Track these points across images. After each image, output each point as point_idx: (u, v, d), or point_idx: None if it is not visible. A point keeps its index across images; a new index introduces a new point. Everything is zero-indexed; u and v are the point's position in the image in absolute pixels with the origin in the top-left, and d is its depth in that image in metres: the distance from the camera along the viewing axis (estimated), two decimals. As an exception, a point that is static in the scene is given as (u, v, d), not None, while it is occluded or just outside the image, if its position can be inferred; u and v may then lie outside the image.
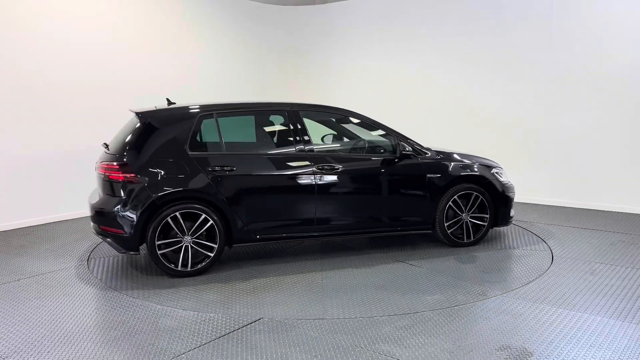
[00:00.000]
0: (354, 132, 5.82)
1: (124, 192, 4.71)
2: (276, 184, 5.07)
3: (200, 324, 3.81)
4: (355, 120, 5.64)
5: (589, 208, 7.40)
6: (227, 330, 3.69)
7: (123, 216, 4.68)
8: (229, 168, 4.89)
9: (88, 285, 4.66)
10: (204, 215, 4.78)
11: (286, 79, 10.30)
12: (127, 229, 4.68)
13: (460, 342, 3.46)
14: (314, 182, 5.11)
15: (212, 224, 4.81)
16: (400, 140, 5.46)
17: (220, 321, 3.86)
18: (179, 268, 4.79)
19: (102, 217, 4.83)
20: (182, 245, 4.77)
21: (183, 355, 3.34)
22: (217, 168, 4.86)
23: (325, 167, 5.15)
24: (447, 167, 5.52)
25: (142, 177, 4.70)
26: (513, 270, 4.89)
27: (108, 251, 5.69)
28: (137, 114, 5.03)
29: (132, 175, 4.69)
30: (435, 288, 4.47)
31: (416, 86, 8.95)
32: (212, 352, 3.38)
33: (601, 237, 5.93)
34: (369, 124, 5.55)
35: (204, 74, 8.98)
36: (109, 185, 4.80)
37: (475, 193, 5.54)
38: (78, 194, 7.31)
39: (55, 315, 4.00)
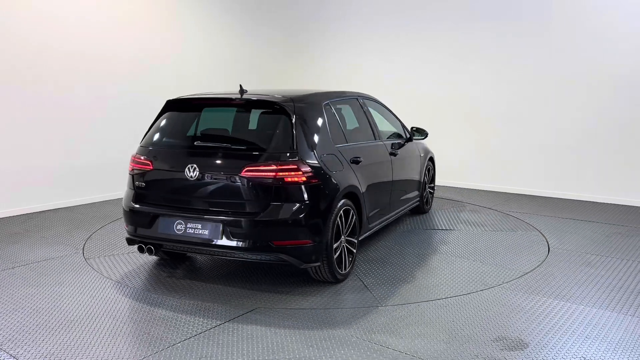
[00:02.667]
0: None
1: (306, 196, 3.98)
2: (380, 171, 5.18)
3: (195, 313, 3.79)
4: (381, 109, 5.99)
5: (585, 200, 7.41)
6: (223, 320, 3.68)
7: (309, 224, 3.97)
8: (360, 159, 4.71)
9: (83, 274, 4.63)
10: (351, 211, 4.43)
11: (283, 67, 10.26)
12: (314, 238, 4.00)
13: (456, 332, 3.46)
14: (391, 169, 5.42)
15: (355, 219, 4.50)
16: (404, 127, 6.15)
17: (215, 310, 3.85)
18: (342, 271, 4.35)
19: (276, 229, 3.94)
20: (341, 246, 4.33)
21: (179, 344, 3.33)
22: (354, 159, 4.61)
23: (394, 154, 5.54)
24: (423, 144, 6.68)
25: (316, 175, 4.08)
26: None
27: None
28: (277, 104, 4.22)
29: (311, 174, 4.04)
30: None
31: (408, 81, 8.92)
32: (207, 342, 3.37)
33: (597, 229, 5.94)
34: (389, 111, 6.06)
35: (203, 62, 8.92)
36: (282, 190, 3.94)
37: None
38: (73, 183, 7.29)
39: (50, 303, 3.98)
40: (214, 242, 4.01)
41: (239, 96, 4.43)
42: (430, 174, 6.88)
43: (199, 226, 4.05)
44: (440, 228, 6.08)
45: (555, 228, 6.01)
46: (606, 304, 3.90)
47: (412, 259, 5.00)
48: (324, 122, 4.49)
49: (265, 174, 3.94)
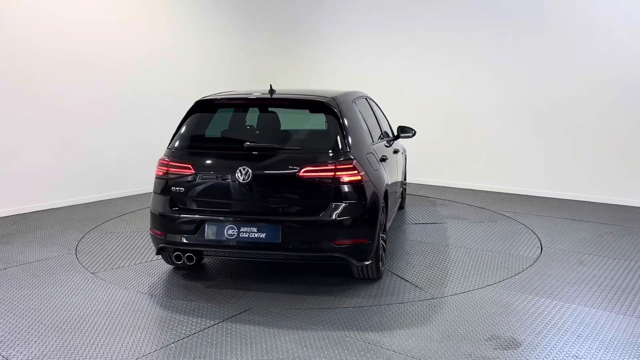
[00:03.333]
0: None
1: (362, 194, 3.99)
2: (394, 169, 5.30)
3: (189, 314, 3.79)
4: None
5: (577, 199, 7.45)
6: (217, 320, 3.68)
7: (366, 222, 4.01)
8: (386, 157, 4.80)
9: (76, 275, 4.61)
10: (384, 209, 4.45)
11: (274, 67, 10.25)
12: (370, 235, 4.03)
13: (450, 332, 3.47)
14: (396, 166, 5.58)
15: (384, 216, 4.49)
16: (389, 125, 6.23)
17: (209, 311, 3.84)
18: (381, 267, 4.42)
19: (337, 229, 3.93)
20: (380, 243, 4.32)
21: (172, 344, 3.32)
22: (382, 157, 4.64)
23: (396, 151, 5.73)
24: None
25: (367, 174, 4.10)
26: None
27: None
28: (324, 104, 4.23)
29: (364, 173, 4.04)
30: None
31: (403, 81, 8.93)
32: (201, 342, 3.36)
33: (589, 229, 5.97)
34: (379, 109, 6.03)
35: (190, 60, 8.90)
36: (341, 190, 3.94)
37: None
38: (66, 183, 7.25)
39: (42, 304, 3.96)
40: (272, 245, 3.92)
41: (284, 96, 4.43)
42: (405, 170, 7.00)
43: (254, 230, 3.93)
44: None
45: (547, 227, 6.04)
46: (598, 303, 3.93)
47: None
48: (362, 121, 4.57)
49: (325, 174, 3.93)
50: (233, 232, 3.95)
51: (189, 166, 4.10)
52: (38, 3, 6.77)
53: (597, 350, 3.21)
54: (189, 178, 4.10)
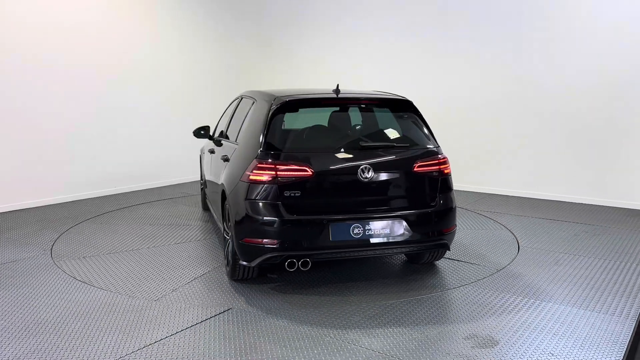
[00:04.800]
0: None
1: (451, 185, 4.37)
2: None
3: (168, 314, 3.75)
4: None
5: (554, 199, 7.57)
6: (196, 321, 3.65)
7: (455, 210, 4.36)
8: None
9: (51, 275, 4.53)
10: None
11: (255, 67, 10.22)
12: (456, 221, 4.43)
13: (428, 331, 3.50)
14: None
15: None
16: None
17: (189, 311, 3.81)
18: None
19: (445, 218, 4.24)
20: None
21: (150, 346, 3.28)
22: None
23: None
24: None
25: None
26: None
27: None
28: (408, 101, 4.53)
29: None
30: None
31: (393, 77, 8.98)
32: (180, 342, 3.33)
33: (565, 228, 6.07)
34: None
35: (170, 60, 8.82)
36: (443, 181, 4.27)
37: None
38: (41, 182, 7.12)
39: (17, 305, 3.89)
40: (395, 240, 4.04)
41: (373, 95, 4.62)
42: None
43: (380, 226, 4.01)
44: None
45: (525, 227, 6.13)
46: (573, 301, 4.00)
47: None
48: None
49: (433, 167, 4.24)
50: (359, 230, 3.97)
51: (306, 168, 3.95)
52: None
53: (572, 348, 3.26)
54: (307, 180, 3.94)
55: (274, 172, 3.91)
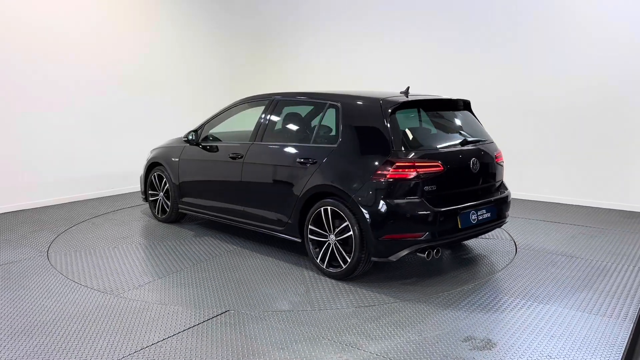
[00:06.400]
0: None
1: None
2: None
3: (165, 317, 3.73)
4: None
5: (551, 201, 7.58)
6: (193, 323, 3.63)
7: None
8: None
9: (48, 277, 4.51)
10: None
11: (253, 67, 10.21)
12: None
13: (426, 333, 3.50)
14: None
15: None
16: None
17: (186, 313, 3.79)
18: None
19: (507, 202, 4.93)
20: None
21: (146, 348, 3.27)
22: None
23: None
24: None
25: None
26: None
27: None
28: (465, 101, 5.09)
29: None
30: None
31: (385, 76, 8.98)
32: (177, 345, 3.32)
33: (563, 230, 6.08)
34: None
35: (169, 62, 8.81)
36: (502, 169, 5.03)
37: None
38: (38, 183, 7.10)
39: (13, 308, 3.87)
40: (492, 222, 4.70)
41: (454, 97, 5.03)
42: None
43: (484, 211, 4.59)
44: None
45: (522, 229, 6.13)
46: (571, 303, 4.00)
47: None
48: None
49: (501, 158, 4.98)
50: (474, 216, 4.50)
51: (438, 164, 4.29)
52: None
53: (570, 350, 3.26)
54: (440, 175, 4.30)
55: (413, 169, 4.20)
